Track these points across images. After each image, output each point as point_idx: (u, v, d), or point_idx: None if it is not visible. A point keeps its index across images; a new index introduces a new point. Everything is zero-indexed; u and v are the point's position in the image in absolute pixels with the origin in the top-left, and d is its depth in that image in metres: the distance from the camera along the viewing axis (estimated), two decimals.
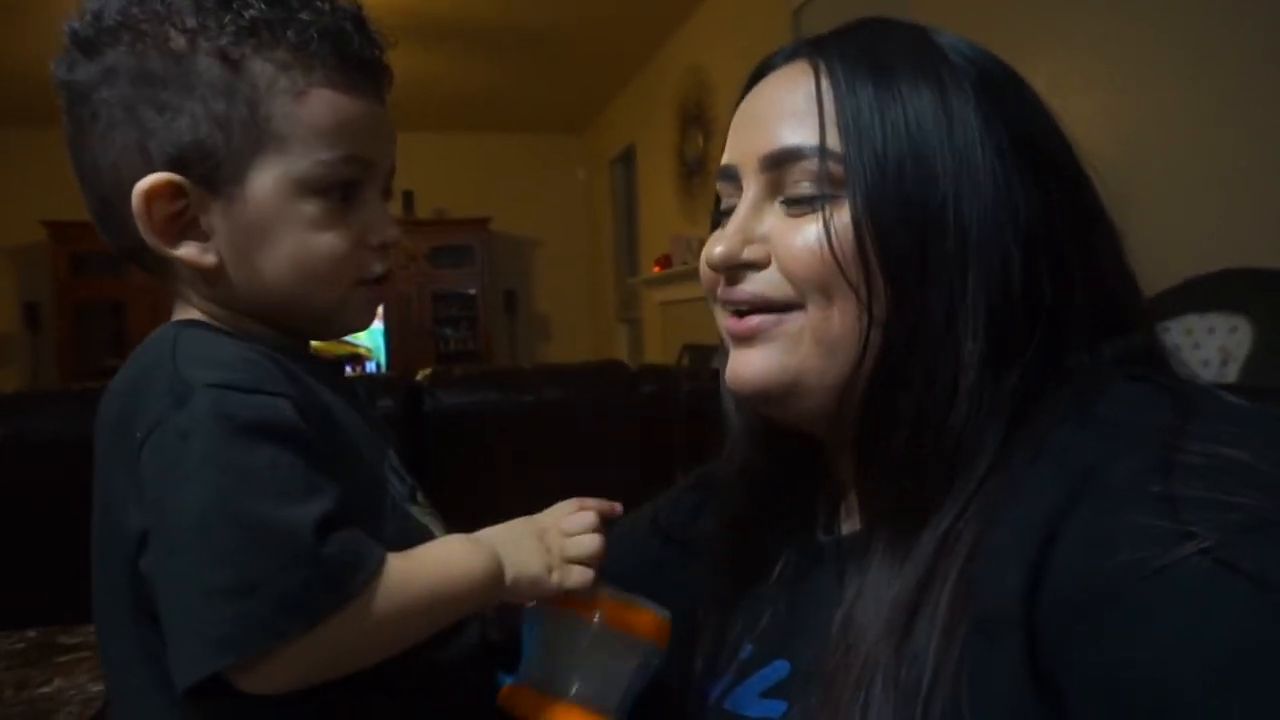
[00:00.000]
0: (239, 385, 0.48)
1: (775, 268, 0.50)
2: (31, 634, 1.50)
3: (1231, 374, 1.67)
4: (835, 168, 0.48)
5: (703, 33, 4.74)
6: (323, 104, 0.53)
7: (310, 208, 0.54)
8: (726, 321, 0.53)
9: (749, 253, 0.51)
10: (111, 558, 0.50)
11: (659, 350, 5.42)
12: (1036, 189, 0.48)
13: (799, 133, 0.50)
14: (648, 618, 0.55)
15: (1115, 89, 2.16)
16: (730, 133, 0.55)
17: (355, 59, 0.55)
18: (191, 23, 0.51)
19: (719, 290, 0.54)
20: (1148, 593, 0.36)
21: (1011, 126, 0.48)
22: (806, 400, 0.51)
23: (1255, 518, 0.36)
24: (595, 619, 0.54)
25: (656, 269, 5.20)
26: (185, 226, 0.53)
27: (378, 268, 0.58)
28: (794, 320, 0.50)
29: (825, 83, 0.50)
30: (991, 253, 0.46)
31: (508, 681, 0.56)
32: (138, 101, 0.51)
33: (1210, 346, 1.74)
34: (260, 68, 0.52)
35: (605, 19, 4.83)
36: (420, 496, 0.61)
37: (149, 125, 0.52)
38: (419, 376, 2.27)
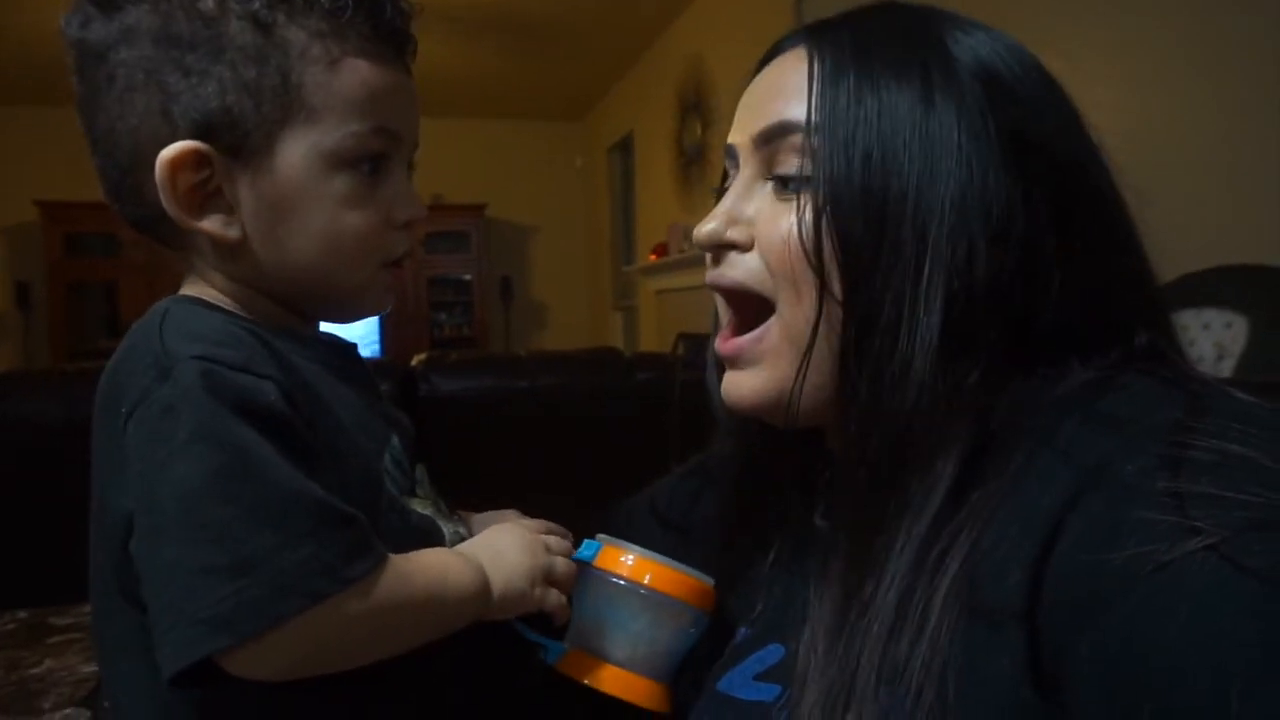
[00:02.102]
0: (225, 361, 0.46)
1: (757, 252, 0.52)
2: (22, 615, 1.50)
3: (1226, 370, 1.68)
4: (818, 145, 0.49)
5: (702, 21, 4.71)
6: (355, 74, 0.52)
7: (340, 182, 0.52)
8: (717, 342, 0.56)
9: (734, 233, 0.52)
10: (103, 538, 0.49)
11: (654, 338, 5.42)
12: (1019, 184, 0.47)
13: (789, 109, 0.51)
14: (694, 584, 0.56)
15: (1116, 86, 2.16)
16: (736, 115, 0.56)
17: (387, 28, 0.54)
18: None
19: (707, 274, 0.55)
20: (1153, 588, 0.36)
21: (1005, 120, 0.48)
22: (798, 395, 0.51)
23: (1263, 515, 0.36)
24: (644, 585, 0.55)
25: (653, 257, 5.19)
26: (208, 197, 0.51)
27: (401, 247, 0.56)
28: (770, 334, 0.51)
29: (816, 69, 0.50)
30: (954, 244, 0.46)
31: (555, 646, 0.57)
32: (161, 64, 0.49)
33: (1206, 342, 1.74)
34: (294, 34, 0.50)
35: (605, 6, 4.80)
36: (422, 489, 0.59)
37: (173, 89, 0.49)
38: (414, 362, 2.26)
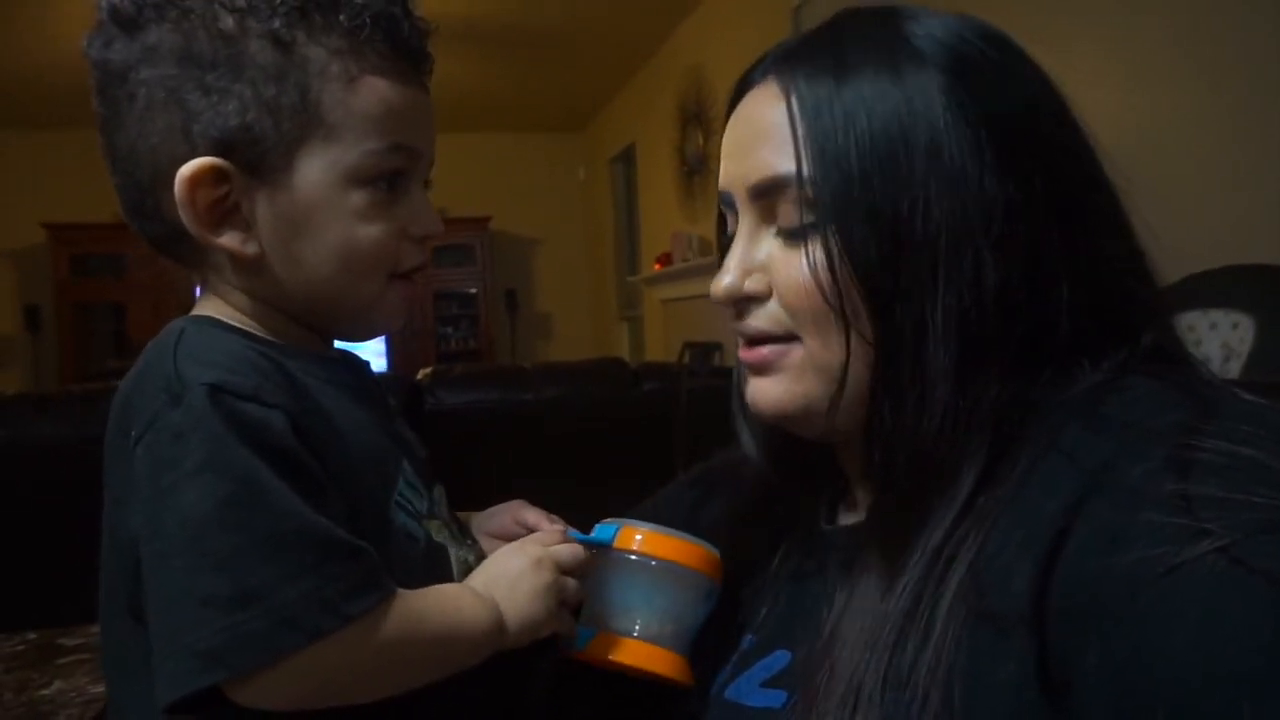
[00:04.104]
0: (235, 389, 0.46)
1: (776, 299, 0.51)
2: (32, 636, 1.50)
3: (1234, 370, 1.67)
4: (816, 192, 0.48)
5: (702, 31, 4.73)
6: (374, 92, 0.52)
7: (358, 198, 0.52)
8: (740, 349, 0.55)
9: (750, 285, 0.52)
10: (115, 557, 0.49)
11: (660, 348, 5.42)
12: (1014, 181, 0.46)
13: (778, 161, 0.50)
14: (709, 555, 0.57)
15: (1120, 86, 2.15)
16: (722, 157, 0.55)
17: (405, 46, 0.54)
18: (241, 2, 0.50)
19: (731, 324, 0.55)
20: (1162, 591, 0.35)
21: (989, 111, 0.47)
22: (820, 420, 0.51)
23: (1273, 517, 0.36)
24: (666, 560, 0.56)
25: (657, 267, 5.19)
26: (226, 214, 0.51)
27: (416, 259, 0.57)
28: (795, 352, 0.51)
29: (795, 104, 0.49)
30: (962, 256, 0.45)
31: (584, 633, 0.57)
32: (182, 83, 0.50)
33: (1213, 343, 1.73)
34: (313, 53, 0.51)
35: (605, 18, 4.83)
36: (440, 510, 0.59)
37: (193, 108, 0.50)
38: (420, 376, 2.27)
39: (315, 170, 0.51)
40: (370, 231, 0.53)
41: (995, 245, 0.46)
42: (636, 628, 0.56)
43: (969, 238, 0.46)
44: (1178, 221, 1.89)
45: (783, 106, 0.50)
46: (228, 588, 0.42)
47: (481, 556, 0.58)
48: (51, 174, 5.87)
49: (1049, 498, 0.42)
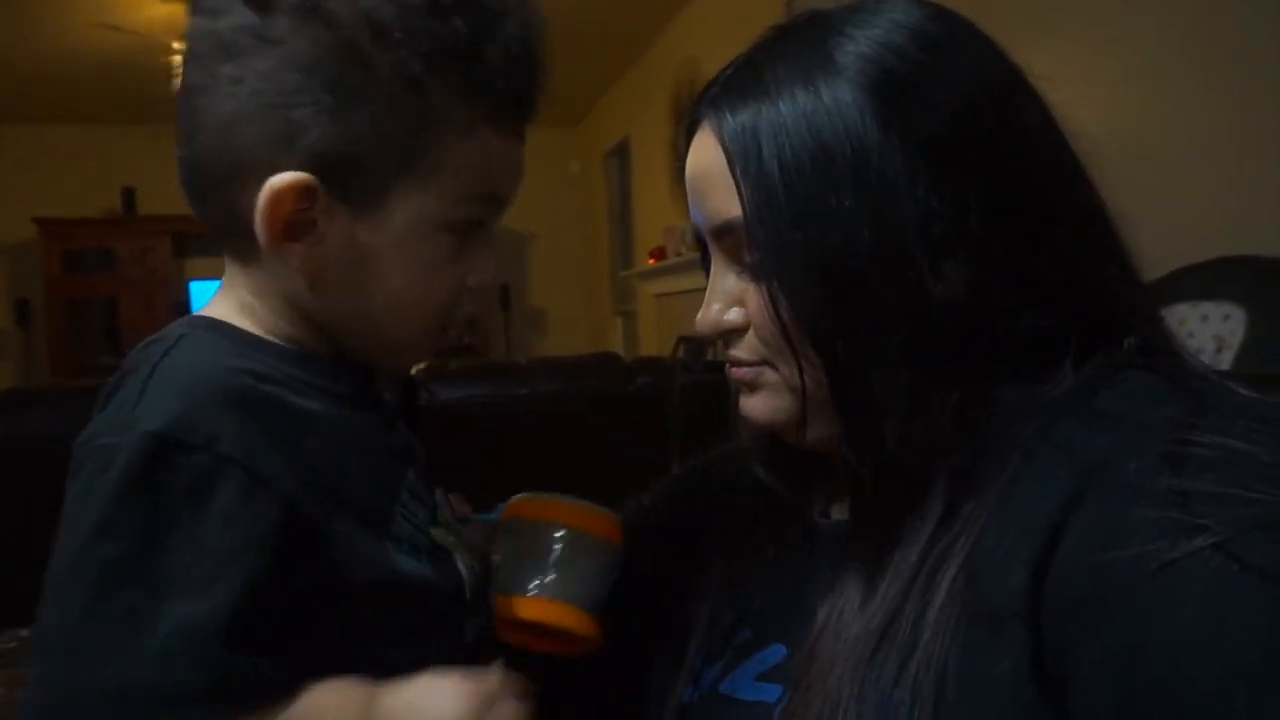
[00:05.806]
0: (184, 439, 0.43)
1: (752, 330, 0.52)
2: (24, 633, 1.50)
3: (1226, 362, 1.68)
4: (757, 234, 0.49)
5: (696, 24, 4.72)
6: (485, 145, 0.51)
7: (433, 245, 0.51)
8: (727, 367, 0.57)
9: (730, 318, 0.53)
10: None
11: (655, 342, 5.41)
12: (951, 191, 0.45)
13: (726, 206, 0.50)
14: (603, 518, 0.60)
15: (1109, 81, 2.16)
16: (687, 195, 0.55)
17: (527, 105, 0.54)
18: (389, 29, 0.47)
19: (723, 352, 0.57)
20: (1158, 585, 0.36)
21: (917, 124, 0.46)
22: (804, 431, 0.52)
23: (1268, 513, 0.36)
24: (558, 524, 0.59)
25: (651, 261, 5.19)
26: (300, 228, 0.49)
27: (469, 309, 0.55)
28: (769, 373, 0.52)
29: (728, 143, 0.49)
30: (900, 279, 0.45)
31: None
32: (298, 91, 0.47)
33: (1204, 335, 1.74)
34: (440, 99, 0.49)
35: (598, 11, 4.81)
36: (443, 515, 0.58)
37: (301, 121, 0.47)
38: (414, 371, 2.26)
39: (406, 208, 0.50)
40: (437, 282, 0.52)
41: (935, 260, 0.46)
42: (528, 585, 0.58)
43: (906, 258, 0.45)
44: (1169, 213, 1.90)
45: (720, 149, 0.50)
46: (67, 641, 0.41)
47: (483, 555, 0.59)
48: (42, 168, 5.84)
49: (1044, 494, 0.42)
